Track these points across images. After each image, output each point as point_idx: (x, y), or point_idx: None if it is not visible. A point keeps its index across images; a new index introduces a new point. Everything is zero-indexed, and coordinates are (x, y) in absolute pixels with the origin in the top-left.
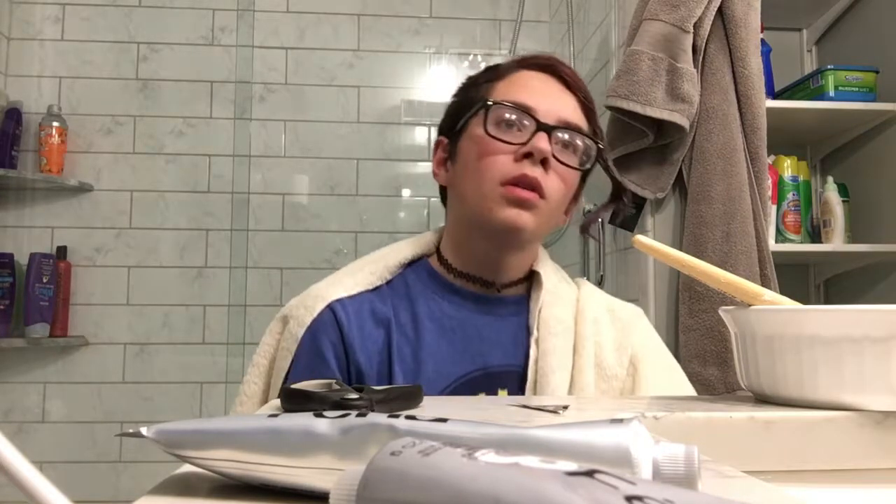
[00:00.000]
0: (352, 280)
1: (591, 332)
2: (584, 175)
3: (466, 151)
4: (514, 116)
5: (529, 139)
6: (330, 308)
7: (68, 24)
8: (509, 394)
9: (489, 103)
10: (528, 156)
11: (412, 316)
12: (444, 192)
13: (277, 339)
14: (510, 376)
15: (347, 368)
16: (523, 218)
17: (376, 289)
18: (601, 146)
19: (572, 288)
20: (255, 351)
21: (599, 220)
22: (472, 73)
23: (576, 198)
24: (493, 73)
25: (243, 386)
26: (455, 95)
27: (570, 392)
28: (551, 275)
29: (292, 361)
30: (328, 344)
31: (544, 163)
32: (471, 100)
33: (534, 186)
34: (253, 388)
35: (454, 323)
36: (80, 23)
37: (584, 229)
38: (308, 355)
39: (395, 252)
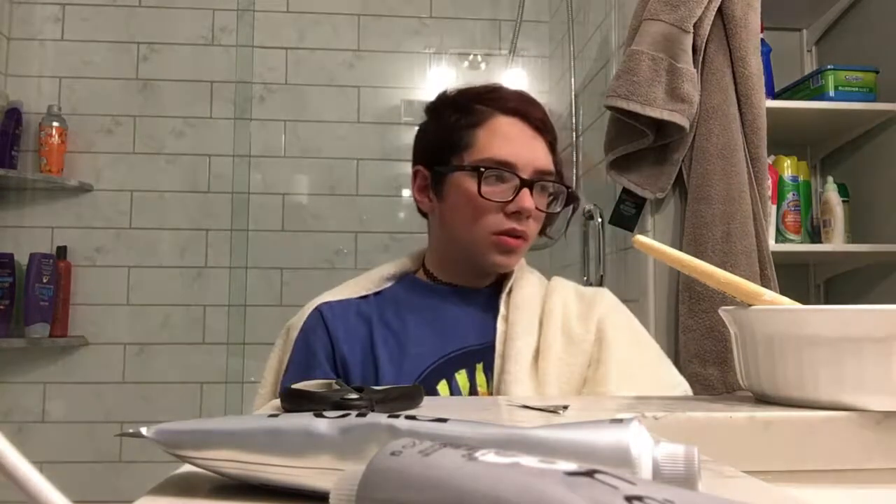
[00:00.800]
0: (340, 292)
1: (559, 306)
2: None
3: (455, 198)
4: (501, 176)
5: (514, 195)
6: (317, 309)
7: (68, 24)
8: (485, 367)
9: (482, 169)
10: (515, 212)
11: (396, 312)
12: (423, 211)
13: (283, 347)
14: (485, 352)
15: (334, 359)
16: (511, 261)
17: (363, 297)
18: (570, 189)
19: (542, 278)
20: (255, 351)
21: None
22: (454, 86)
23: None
24: (473, 118)
25: (262, 381)
26: (428, 127)
27: (535, 357)
28: (522, 264)
29: (289, 360)
30: (316, 339)
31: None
32: (453, 141)
33: (521, 236)
34: (269, 381)
35: (434, 313)
36: (80, 23)
37: (542, 231)
38: (301, 352)
39: (380, 269)
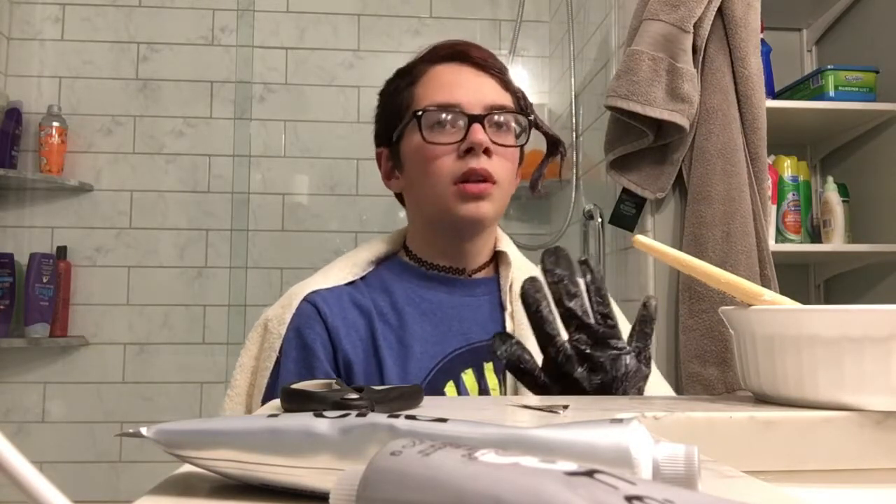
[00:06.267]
0: (323, 278)
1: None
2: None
3: (411, 159)
4: (445, 117)
5: (465, 134)
6: (308, 301)
7: (68, 24)
8: (495, 368)
9: (419, 113)
10: (469, 150)
11: (392, 304)
12: (399, 196)
13: (259, 343)
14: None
15: (335, 358)
16: (482, 209)
17: (351, 283)
18: (531, 117)
19: (535, 267)
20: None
21: (542, 174)
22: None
23: (520, 161)
24: (409, 78)
25: (231, 381)
26: (379, 106)
27: None
28: (516, 253)
29: (280, 358)
30: (314, 336)
31: (486, 151)
32: (396, 109)
33: (484, 177)
34: (238, 383)
35: (433, 306)
36: (80, 23)
37: (534, 187)
38: (297, 350)
39: (364, 251)
